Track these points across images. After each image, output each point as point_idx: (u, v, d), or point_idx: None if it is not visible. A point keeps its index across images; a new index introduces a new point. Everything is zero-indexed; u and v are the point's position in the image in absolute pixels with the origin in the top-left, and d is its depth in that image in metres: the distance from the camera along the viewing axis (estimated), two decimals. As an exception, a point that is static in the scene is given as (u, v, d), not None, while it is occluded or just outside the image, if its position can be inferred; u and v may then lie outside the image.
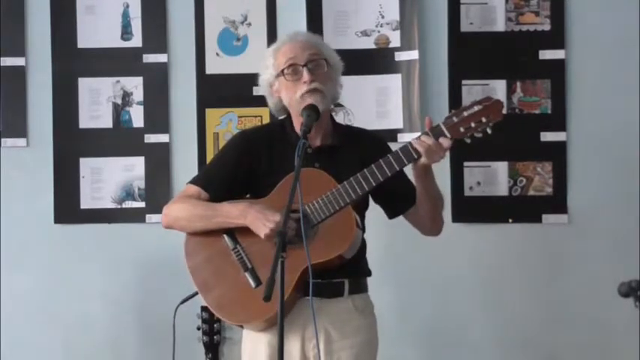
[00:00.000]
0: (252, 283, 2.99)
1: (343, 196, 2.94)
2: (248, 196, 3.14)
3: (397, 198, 3.13)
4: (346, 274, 3.03)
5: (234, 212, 3.01)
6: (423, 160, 2.91)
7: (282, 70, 3.05)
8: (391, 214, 3.19)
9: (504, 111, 3.87)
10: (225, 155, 3.19)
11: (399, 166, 2.94)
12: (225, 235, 3.04)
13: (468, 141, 2.94)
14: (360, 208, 3.09)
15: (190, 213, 3.07)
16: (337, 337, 3.02)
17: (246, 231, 2.99)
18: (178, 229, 3.11)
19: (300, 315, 2.97)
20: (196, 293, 3.10)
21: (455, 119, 2.93)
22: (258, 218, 2.95)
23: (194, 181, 3.16)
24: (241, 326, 3.10)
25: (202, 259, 3.07)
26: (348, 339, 3.03)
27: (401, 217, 3.19)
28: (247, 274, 3.00)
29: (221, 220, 3.03)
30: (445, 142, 2.91)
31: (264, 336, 3.03)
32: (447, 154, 2.95)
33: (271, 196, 3.02)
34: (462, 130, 2.92)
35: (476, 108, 2.93)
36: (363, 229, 3.11)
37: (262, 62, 3.14)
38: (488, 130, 2.93)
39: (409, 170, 3.03)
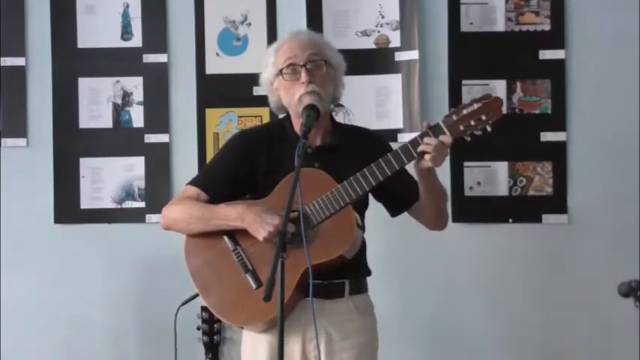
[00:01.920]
0: (253, 285, 2.98)
1: (343, 196, 2.93)
2: (248, 196, 3.13)
3: (399, 196, 3.12)
4: (347, 275, 3.02)
5: (232, 215, 3.00)
6: (426, 160, 2.88)
7: (281, 70, 3.04)
8: (393, 211, 3.18)
9: (504, 111, 3.89)
10: (224, 156, 3.18)
11: (399, 165, 2.92)
12: (225, 237, 3.03)
13: (468, 139, 2.92)
14: (360, 207, 3.07)
15: (188, 215, 3.05)
16: (338, 338, 3.01)
17: (246, 232, 2.98)
18: (177, 231, 3.10)
19: (301, 316, 2.96)
20: (197, 295, 3.10)
21: (454, 117, 2.90)
22: (256, 221, 2.94)
23: (193, 182, 3.15)
24: (242, 327, 3.10)
25: (203, 261, 3.06)
26: (349, 340, 3.02)
27: (401, 216, 3.18)
28: (248, 276, 2.99)
29: (219, 222, 3.01)
30: (446, 139, 2.88)
31: (265, 337, 3.02)
32: (447, 154, 2.94)
33: (271, 197, 3.01)
34: (461, 128, 2.89)
35: (475, 106, 2.90)
36: (363, 229, 3.11)
37: (263, 60, 3.12)
38: (488, 128, 2.90)
39: (410, 167, 3.02)
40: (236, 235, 3.02)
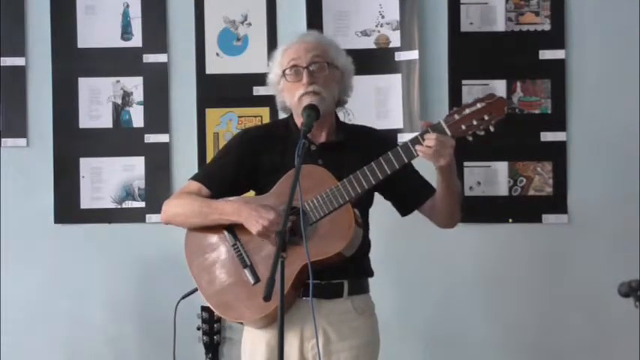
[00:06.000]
0: (251, 280, 3.00)
1: (342, 193, 2.93)
2: (253, 194, 3.14)
3: (408, 195, 3.12)
4: (346, 275, 3.02)
5: (228, 209, 3.02)
6: (428, 157, 2.88)
7: (284, 71, 3.06)
8: (403, 211, 3.18)
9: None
10: (227, 153, 3.19)
11: (399, 163, 2.91)
12: (225, 231, 3.05)
13: (470, 139, 2.91)
14: (363, 205, 3.07)
15: (187, 209, 3.07)
16: (336, 339, 3.01)
17: (245, 227, 2.99)
18: (177, 225, 3.12)
19: (298, 315, 2.96)
20: (197, 289, 3.11)
21: (456, 117, 2.89)
22: (252, 215, 2.95)
23: (195, 177, 3.17)
24: (241, 323, 3.10)
25: (202, 255, 3.07)
26: (347, 340, 3.02)
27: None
28: (246, 271, 3.00)
29: (216, 217, 3.03)
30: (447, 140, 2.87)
31: (264, 335, 3.03)
32: (451, 152, 2.91)
33: (271, 193, 3.03)
34: (463, 127, 2.88)
35: (478, 105, 2.89)
36: (367, 227, 3.10)
37: (272, 60, 3.15)
38: (492, 129, 2.88)
39: (419, 166, 3.02)
40: (236, 229, 3.03)
